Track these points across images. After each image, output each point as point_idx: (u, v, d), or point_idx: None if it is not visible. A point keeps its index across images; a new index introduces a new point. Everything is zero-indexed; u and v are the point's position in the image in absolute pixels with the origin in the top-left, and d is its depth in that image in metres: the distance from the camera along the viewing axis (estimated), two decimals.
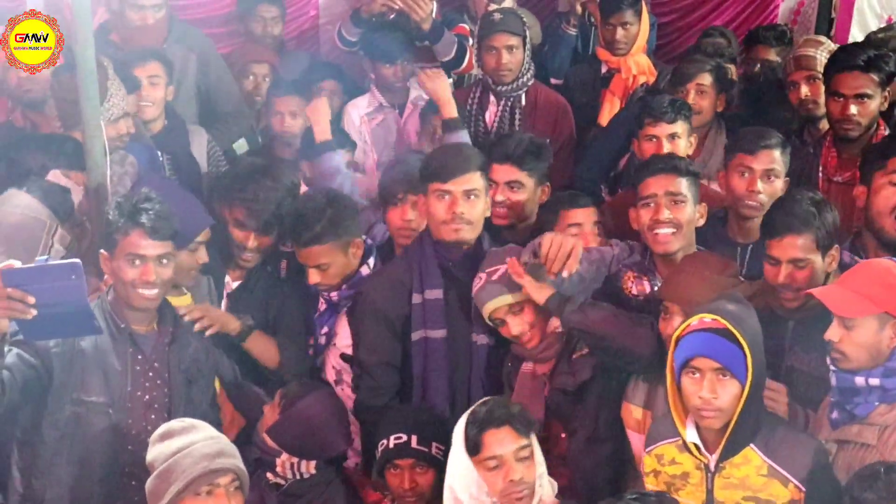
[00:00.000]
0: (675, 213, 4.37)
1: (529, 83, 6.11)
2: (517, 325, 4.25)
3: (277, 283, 5.00)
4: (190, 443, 3.66)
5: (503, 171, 4.84)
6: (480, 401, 3.90)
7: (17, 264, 3.48)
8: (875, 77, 5.12)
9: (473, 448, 3.76)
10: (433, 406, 4.47)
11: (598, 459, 4.23)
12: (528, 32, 6.09)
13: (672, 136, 5.16)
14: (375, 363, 4.54)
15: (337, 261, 4.67)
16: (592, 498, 4.03)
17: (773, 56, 6.67)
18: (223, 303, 4.91)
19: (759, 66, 6.52)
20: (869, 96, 5.11)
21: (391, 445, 4.16)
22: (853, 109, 5.09)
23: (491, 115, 6.10)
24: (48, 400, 3.97)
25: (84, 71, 4.39)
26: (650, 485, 3.77)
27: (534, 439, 3.81)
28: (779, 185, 4.74)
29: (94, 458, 4.04)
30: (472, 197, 4.41)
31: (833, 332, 3.67)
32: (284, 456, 4.27)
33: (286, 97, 6.20)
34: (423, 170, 4.51)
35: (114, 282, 4.12)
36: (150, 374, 4.11)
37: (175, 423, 3.77)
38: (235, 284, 4.97)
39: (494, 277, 4.25)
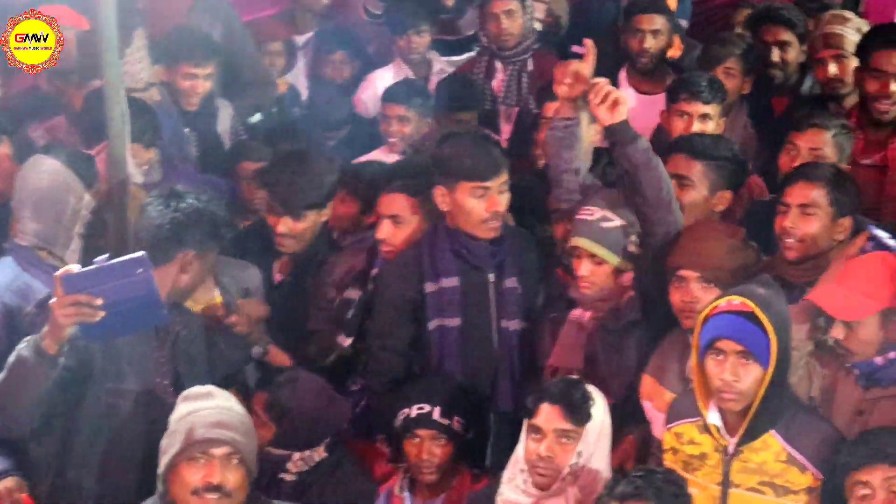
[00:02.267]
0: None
1: (534, 47, 6.08)
2: (588, 270, 4.13)
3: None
4: (197, 409, 3.51)
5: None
6: (564, 377, 3.85)
7: (76, 268, 3.42)
8: None
9: (528, 412, 3.73)
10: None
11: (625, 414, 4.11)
12: None
13: (704, 117, 4.98)
14: (379, 347, 4.44)
15: (412, 222, 4.52)
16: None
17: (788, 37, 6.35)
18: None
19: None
20: None
21: (413, 414, 4.08)
22: (894, 87, 4.91)
23: (498, 81, 6.09)
24: (86, 392, 3.85)
25: (106, 39, 4.26)
26: (668, 461, 3.70)
27: (588, 433, 3.70)
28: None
29: (128, 445, 3.95)
30: (503, 193, 4.35)
31: (838, 331, 3.62)
32: (296, 455, 4.13)
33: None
34: (454, 166, 4.35)
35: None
36: (167, 362, 4.03)
37: (197, 388, 3.64)
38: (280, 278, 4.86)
39: (605, 224, 4.11)
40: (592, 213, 4.15)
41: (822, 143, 4.64)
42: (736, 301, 3.45)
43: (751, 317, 3.41)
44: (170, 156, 5.37)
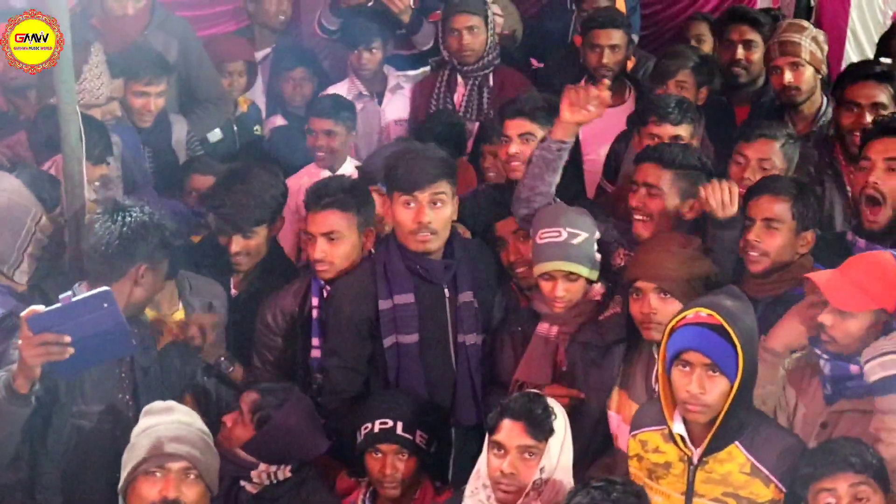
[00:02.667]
0: None
1: (495, 62, 6.07)
2: (563, 289, 4.13)
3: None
4: (157, 423, 3.52)
5: (516, 125, 4.70)
6: (523, 392, 3.80)
7: (41, 309, 3.38)
8: (889, 89, 4.99)
9: (491, 428, 3.69)
10: None
11: (603, 431, 4.10)
12: (489, 12, 6.02)
13: (675, 138, 4.82)
14: (335, 366, 4.39)
15: (349, 238, 4.45)
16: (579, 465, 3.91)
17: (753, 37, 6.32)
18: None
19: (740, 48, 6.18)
20: (884, 107, 4.94)
21: (376, 430, 4.04)
22: (868, 119, 4.89)
23: (459, 96, 6.06)
24: (52, 418, 3.80)
25: (60, 56, 4.19)
26: (633, 468, 3.69)
27: (550, 448, 3.65)
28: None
29: (95, 463, 3.89)
30: (439, 204, 4.25)
31: (827, 318, 3.60)
32: (262, 466, 4.06)
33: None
34: (388, 175, 4.35)
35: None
36: (126, 376, 3.98)
37: (158, 404, 3.65)
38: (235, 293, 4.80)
39: (574, 241, 4.11)
40: (558, 232, 4.13)
41: (770, 153, 4.67)
42: (704, 313, 3.44)
43: (718, 329, 3.40)
44: (130, 172, 5.32)
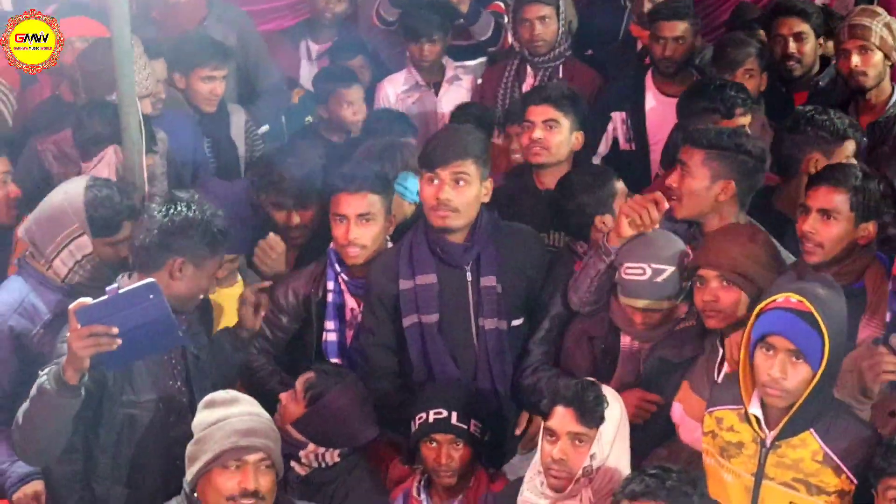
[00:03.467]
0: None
1: (566, 54, 6.01)
2: (641, 319, 4.04)
3: None
4: (226, 416, 3.52)
5: (540, 111, 4.82)
6: (578, 380, 3.74)
7: (89, 301, 3.39)
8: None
9: (545, 415, 3.69)
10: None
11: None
12: (560, 2, 5.95)
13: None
14: (370, 343, 4.38)
15: (380, 221, 4.42)
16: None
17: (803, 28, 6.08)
18: None
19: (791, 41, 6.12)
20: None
21: (430, 420, 4.02)
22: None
23: (528, 86, 5.95)
24: (103, 408, 3.82)
25: (120, 47, 4.25)
26: (706, 444, 3.68)
27: (602, 436, 3.62)
28: None
29: (152, 451, 3.91)
30: (462, 183, 4.18)
31: None
32: (311, 446, 4.08)
33: (354, 87, 6.01)
34: (421, 153, 4.34)
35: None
36: (177, 363, 3.99)
37: (220, 394, 3.64)
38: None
39: (659, 279, 4.00)
40: (643, 270, 4.02)
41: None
42: (794, 299, 3.38)
43: (807, 316, 3.35)
44: (184, 162, 5.36)
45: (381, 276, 4.33)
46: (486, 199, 4.30)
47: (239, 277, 4.58)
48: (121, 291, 3.44)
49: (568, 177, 4.61)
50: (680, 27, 5.80)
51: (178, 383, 3.97)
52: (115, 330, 3.40)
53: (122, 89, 4.30)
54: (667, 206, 4.09)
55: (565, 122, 4.83)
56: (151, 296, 3.44)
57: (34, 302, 4.05)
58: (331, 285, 4.49)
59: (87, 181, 4.17)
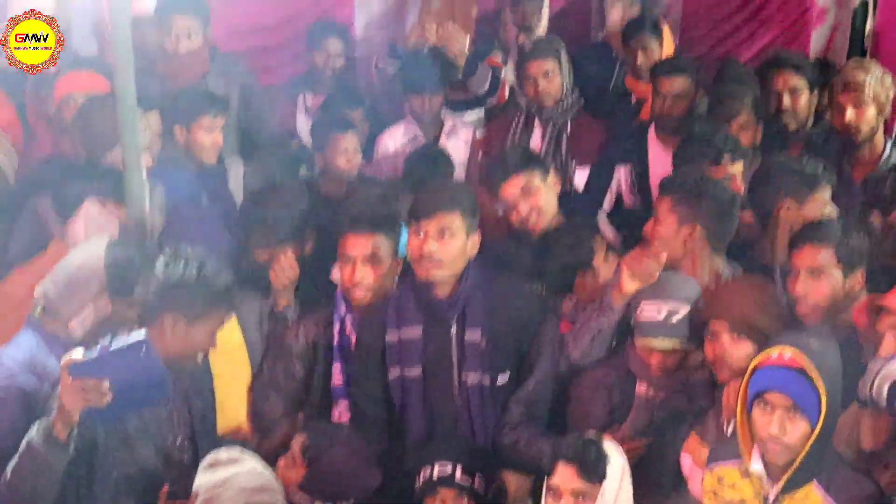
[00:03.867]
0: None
1: (574, 108, 6.02)
2: (659, 361, 4.08)
3: None
4: (233, 475, 3.53)
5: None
6: (578, 435, 3.75)
7: (79, 354, 3.39)
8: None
9: (548, 471, 3.69)
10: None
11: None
12: (562, 54, 5.98)
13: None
14: (357, 393, 4.35)
15: (387, 262, 4.40)
16: None
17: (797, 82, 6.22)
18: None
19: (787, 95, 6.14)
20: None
21: (436, 476, 4.00)
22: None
23: (536, 139, 6.01)
24: (95, 465, 3.76)
25: (124, 102, 4.27)
26: (708, 503, 3.67)
27: (605, 492, 3.62)
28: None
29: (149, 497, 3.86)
30: (447, 236, 4.14)
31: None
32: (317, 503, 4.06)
33: (349, 133, 5.95)
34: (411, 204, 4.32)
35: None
36: (181, 421, 4.00)
37: (223, 454, 3.64)
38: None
39: (674, 320, 4.04)
40: (659, 309, 4.06)
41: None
42: (787, 354, 3.39)
43: (802, 371, 3.36)
44: (173, 221, 5.24)
45: (368, 326, 4.31)
46: (474, 253, 4.25)
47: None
48: (112, 347, 3.42)
49: (549, 235, 4.65)
50: (678, 83, 5.77)
51: (179, 439, 3.94)
52: (107, 384, 3.39)
53: (127, 144, 4.31)
54: (664, 257, 4.12)
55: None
56: (143, 351, 3.43)
57: (43, 360, 4.01)
58: (336, 327, 4.46)
59: (107, 242, 4.15)
